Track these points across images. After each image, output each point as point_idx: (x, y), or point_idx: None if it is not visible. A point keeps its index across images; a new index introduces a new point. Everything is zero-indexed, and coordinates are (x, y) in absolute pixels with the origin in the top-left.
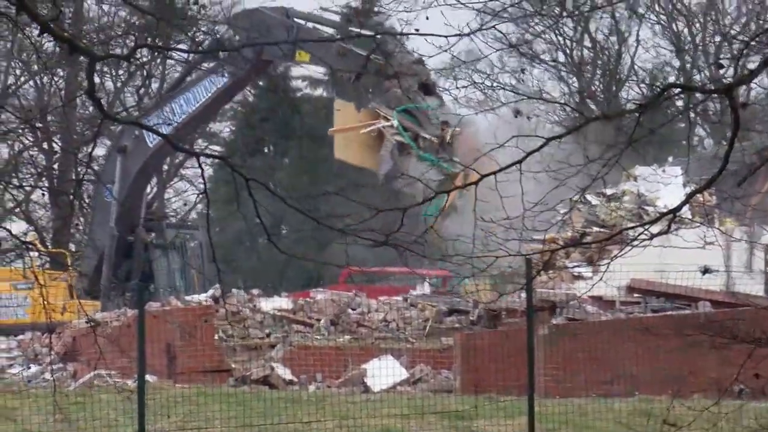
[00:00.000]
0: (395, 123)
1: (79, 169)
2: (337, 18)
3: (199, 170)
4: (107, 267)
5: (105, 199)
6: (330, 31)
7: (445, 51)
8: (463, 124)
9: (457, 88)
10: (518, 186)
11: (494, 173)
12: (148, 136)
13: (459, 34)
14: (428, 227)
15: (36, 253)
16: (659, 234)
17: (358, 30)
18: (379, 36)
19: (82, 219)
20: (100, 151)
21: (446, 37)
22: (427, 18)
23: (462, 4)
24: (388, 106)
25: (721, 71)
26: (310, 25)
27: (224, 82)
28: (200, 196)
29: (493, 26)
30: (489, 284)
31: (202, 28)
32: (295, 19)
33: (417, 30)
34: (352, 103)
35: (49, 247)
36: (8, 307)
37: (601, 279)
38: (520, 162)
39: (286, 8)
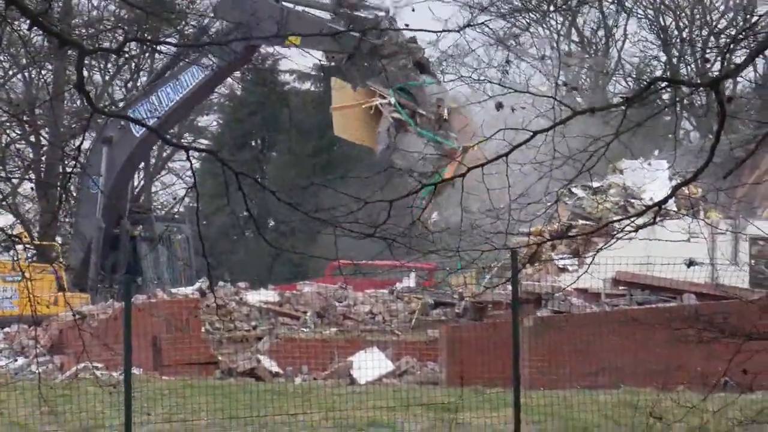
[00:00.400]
0: (392, 101)
1: (66, 162)
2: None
3: (187, 163)
4: (95, 259)
5: (90, 191)
6: (320, 14)
7: (433, 43)
8: (457, 102)
9: (445, 81)
10: (505, 178)
11: (481, 165)
12: (134, 125)
13: (448, 30)
14: (415, 219)
15: (22, 246)
16: (645, 226)
17: (341, 28)
18: (365, 30)
19: (69, 211)
20: (87, 143)
21: (437, 32)
22: (413, 10)
23: None
24: (384, 85)
25: (708, 65)
26: (299, 8)
27: (210, 71)
28: (189, 190)
29: (482, 23)
30: (474, 278)
31: (191, 22)
32: (284, 3)
33: (407, 25)
34: (349, 83)
35: (36, 239)
36: (2, 299)
37: (586, 271)
38: (506, 155)
39: None
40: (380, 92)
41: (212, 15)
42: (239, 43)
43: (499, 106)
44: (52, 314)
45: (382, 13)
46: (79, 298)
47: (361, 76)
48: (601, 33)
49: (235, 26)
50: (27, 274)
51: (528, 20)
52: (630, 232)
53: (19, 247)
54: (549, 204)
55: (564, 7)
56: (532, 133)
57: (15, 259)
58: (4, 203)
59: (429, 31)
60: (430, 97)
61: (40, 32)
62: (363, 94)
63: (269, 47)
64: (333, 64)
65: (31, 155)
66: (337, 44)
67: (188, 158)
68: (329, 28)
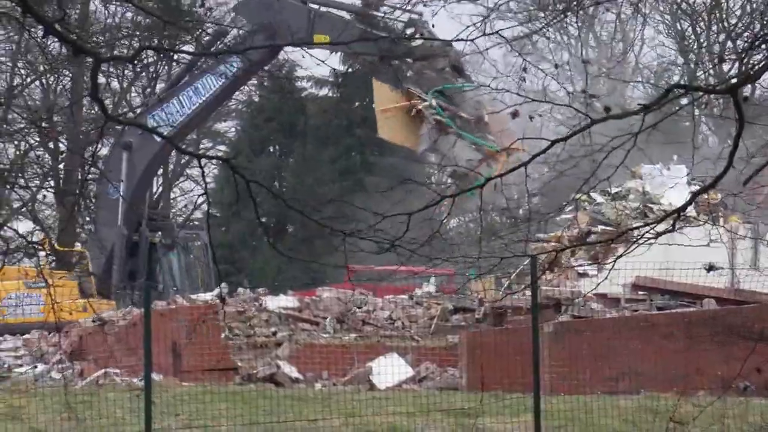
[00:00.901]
0: (433, 103)
1: (84, 169)
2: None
3: (207, 169)
4: (118, 266)
5: (109, 197)
6: (346, 15)
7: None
8: (493, 105)
9: (463, 90)
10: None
11: (500, 176)
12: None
13: (462, 39)
14: (434, 231)
15: (43, 253)
16: (664, 232)
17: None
18: (383, 37)
19: (87, 218)
20: (103, 150)
21: (449, 41)
22: (433, 26)
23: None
24: (421, 87)
25: (725, 68)
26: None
27: (229, 77)
28: (200, 197)
29: (497, 32)
30: (494, 284)
31: (208, 30)
32: (310, 4)
33: (422, 34)
34: (389, 84)
35: (55, 246)
36: (24, 305)
37: (606, 278)
38: (525, 164)
39: None
40: (419, 95)
41: (230, 20)
42: (262, 44)
43: (515, 114)
44: (74, 321)
45: (415, 16)
46: (107, 305)
47: (393, 77)
48: (618, 38)
49: (257, 28)
50: (50, 281)
51: (545, 23)
52: (650, 238)
53: (41, 253)
54: (569, 209)
55: (581, 10)
56: (550, 142)
57: (38, 265)
58: (23, 210)
59: (441, 40)
60: (468, 100)
61: (57, 40)
62: (401, 96)
63: (295, 50)
64: (358, 66)
65: (49, 162)
66: (366, 45)
67: (200, 166)
68: (356, 29)
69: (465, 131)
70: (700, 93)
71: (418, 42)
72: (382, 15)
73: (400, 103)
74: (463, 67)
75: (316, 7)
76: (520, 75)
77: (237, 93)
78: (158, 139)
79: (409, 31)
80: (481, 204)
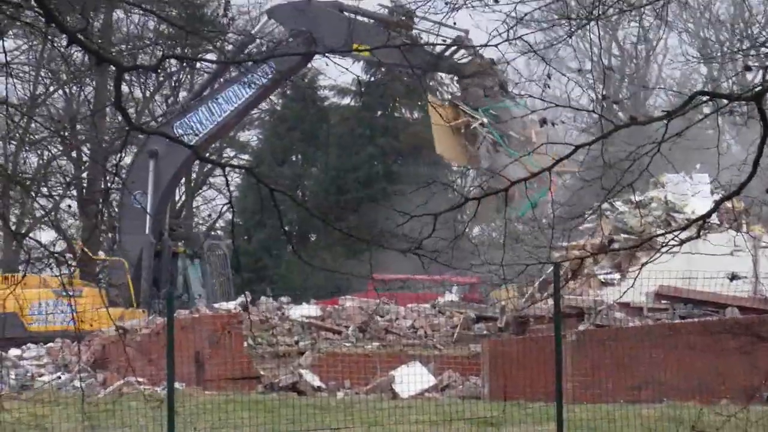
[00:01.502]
0: (485, 121)
1: (107, 178)
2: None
3: (229, 178)
4: (146, 275)
5: (134, 206)
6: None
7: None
8: (533, 122)
9: (486, 95)
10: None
11: (524, 180)
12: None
13: (485, 45)
14: (459, 234)
15: (73, 262)
16: (689, 240)
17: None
18: (405, 46)
19: (114, 227)
20: (127, 160)
21: (474, 47)
22: (455, 44)
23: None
24: (467, 104)
25: (749, 77)
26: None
27: (258, 86)
28: (225, 206)
29: (520, 37)
30: (517, 292)
31: (231, 40)
32: (346, 13)
33: (444, 40)
34: (445, 102)
35: (79, 255)
36: (53, 314)
37: (632, 285)
38: (549, 169)
39: (339, 1)
40: (469, 113)
41: (261, 24)
42: (296, 50)
43: (544, 122)
44: (96, 330)
45: (462, 34)
46: (140, 315)
47: (425, 88)
48: (641, 47)
49: (294, 33)
50: (71, 291)
51: (568, 32)
52: (674, 246)
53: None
54: (592, 217)
55: (604, 17)
56: (573, 147)
57: (62, 275)
58: (45, 219)
59: (465, 46)
60: (516, 119)
61: (80, 49)
62: (455, 114)
63: (318, 58)
64: (380, 75)
65: (72, 172)
66: (408, 58)
67: (224, 175)
68: (398, 39)
69: (515, 150)
70: (724, 100)
71: (464, 59)
72: (419, 30)
73: (455, 121)
74: (506, 86)
75: (353, 16)
76: (544, 81)
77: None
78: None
79: (452, 48)
80: (506, 208)
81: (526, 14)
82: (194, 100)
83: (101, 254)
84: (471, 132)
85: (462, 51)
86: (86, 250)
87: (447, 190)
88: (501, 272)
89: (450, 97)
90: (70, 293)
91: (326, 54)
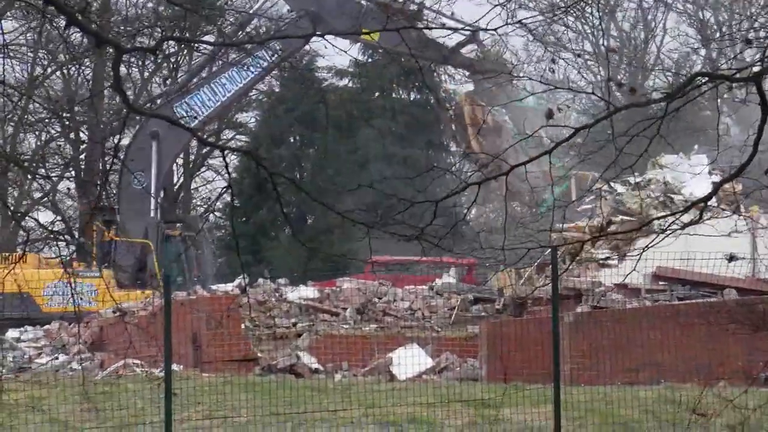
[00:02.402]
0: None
1: (105, 160)
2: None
3: (227, 159)
4: (155, 256)
5: (135, 188)
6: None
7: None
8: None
9: (484, 78)
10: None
11: (524, 164)
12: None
13: (485, 29)
14: (459, 220)
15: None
16: (691, 224)
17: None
18: (401, 29)
19: (112, 209)
20: (126, 141)
21: (473, 30)
22: (455, 28)
23: None
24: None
25: (747, 58)
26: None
27: (266, 66)
28: (224, 188)
29: (520, 21)
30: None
31: (230, 20)
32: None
33: (443, 24)
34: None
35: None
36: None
37: (634, 269)
38: (549, 152)
39: None
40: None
41: (254, 11)
42: (302, 27)
43: (550, 114)
44: (95, 311)
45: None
46: (144, 295)
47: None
48: (639, 28)
49: (302, 14)
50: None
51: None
52: (676, 229)
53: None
54: (590, 199)
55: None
56: (573, 130)
57: (59, 255)
58: (44, 200)
59: (465, 29)
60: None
61: (79, 30)
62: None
63: (317, 40)
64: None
65: (70, 153)
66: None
67: (224, 158)
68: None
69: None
70: (724, 81)
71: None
72: (431, 27)
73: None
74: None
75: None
76: (548, 66)
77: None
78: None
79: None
80: (506, 192)
81: None
82: (193, 81)
83: (113, 236)
84: (495, 127)
85: (473, 47)
86: (111, 232)
87: (445, 174)
88: (501, 256)
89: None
90: (90, 273)
91: (334, 36)
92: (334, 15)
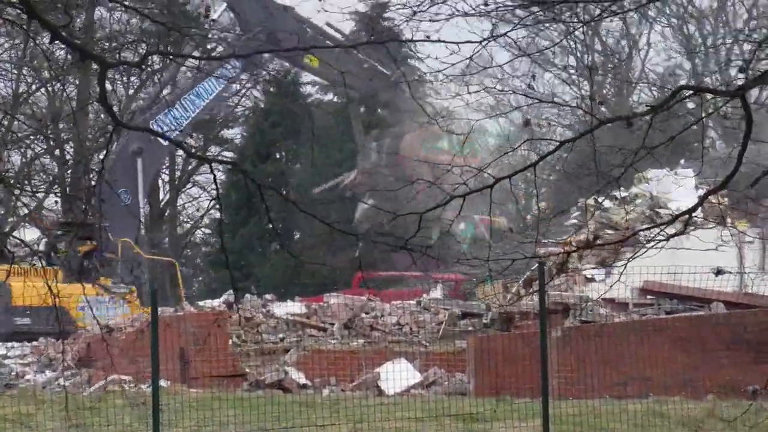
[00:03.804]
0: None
1: (89, 177)
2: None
3: (212, 176)
4: (146, 275)
5: (120, 206)
6: (338, 36)
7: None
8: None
9: (469, 93)
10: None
11: (509, 177)
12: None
13: (469, 42)
14: (443, 231)
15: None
16: (675, 235)
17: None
18: (387, 42)
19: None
20: (112, 157)
21: (457, 44)
22: (439, 40)
23: (473, 10)
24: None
25: (732, 73)
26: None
27: (234, 77)
28: (212, 202)
29: (505, 34)
30: (502, 289)
31: (212, 37)
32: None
33: (428, 36)
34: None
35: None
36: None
37: (618, 280)
38: (534, 165)
39: (291, 7)
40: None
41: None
42: (259, 41)
43: (527, 123)
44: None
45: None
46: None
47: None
48: (624, 42)
49: (258, 29)
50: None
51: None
52: (660, 241)
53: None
54: (576, 214)
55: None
56: (558, 143)
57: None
58: (29, 218)
59: (449, 42)
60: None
61: (63, 46)
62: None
63: (287, 63)
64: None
65: (55, 170)
66: (360, 71)
67: (212, 171)
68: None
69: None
70: (708, 94)
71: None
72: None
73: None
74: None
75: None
76: (529, 80)
77: (243, 99)
78: (165, 143)
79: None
80: (490, 205)
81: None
82: (166, 95)
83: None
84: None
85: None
86: (137, 248)
87: (431, 187)
88: (486, 268)
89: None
90: (124, 289)
91: (284, 52)
92: (282, 35)
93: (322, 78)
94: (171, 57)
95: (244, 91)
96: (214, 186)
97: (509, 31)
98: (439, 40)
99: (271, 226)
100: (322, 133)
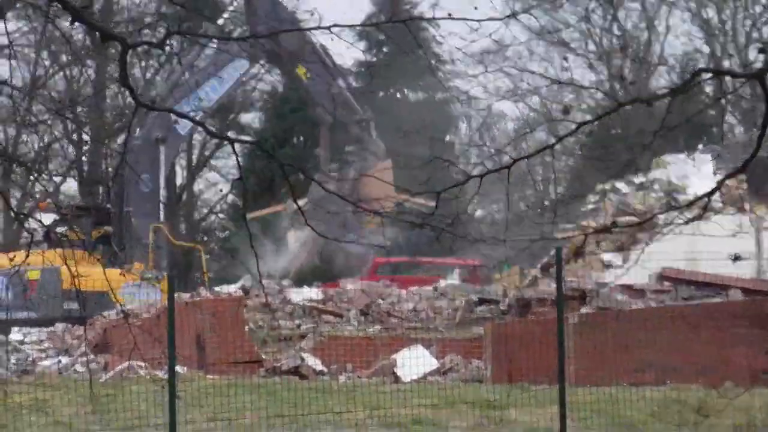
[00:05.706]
0: None
1: (109, 161)
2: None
3: (230, 161)
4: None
5: (141, 191)
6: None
7: (473, 40)
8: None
9: (487, 72)
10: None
11: (527, 157)
12: (179, 124)
13: (492, 19)
14: (463, 211)
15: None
16: (693, 220)
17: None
18: (408, 21)
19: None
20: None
21: (479, 21)
22: (450, 15)
23: None
24: None
25: (752, 56)
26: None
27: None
28: (235, 182)
29: (527, 10)
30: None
31: (231, 18)
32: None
33: (450, 14)
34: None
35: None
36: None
37: (636, 262)
38: (552, 146)
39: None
40: None
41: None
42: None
43: (567, 110)
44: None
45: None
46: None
47: None
48: (642, 26)
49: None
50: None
51: (573, 15)
52: (678, 225)
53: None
54: (594, 199)
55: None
56: (576, 124)
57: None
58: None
59: (470, 19)
60: None
61: (82, 30)
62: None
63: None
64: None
65: (74, 154)
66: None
67: (234, 150)
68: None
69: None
70: (727, 78)
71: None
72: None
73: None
74: None
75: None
76: (563, 66)
77: (262, 84)
78: (183, 131)
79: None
80: (508, 185)
81: None
82: (187, 77)
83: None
84: None
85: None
86: (169, 236)
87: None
88: (505, 250)
89: None
90: (159, 275)
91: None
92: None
93: (309, 92)
94: (192, 37)
95: (260, 74)
96: (232, 171)
97: (532, 7)
98: (460, 18)
99: (295, 203)
100: (339, 118)
